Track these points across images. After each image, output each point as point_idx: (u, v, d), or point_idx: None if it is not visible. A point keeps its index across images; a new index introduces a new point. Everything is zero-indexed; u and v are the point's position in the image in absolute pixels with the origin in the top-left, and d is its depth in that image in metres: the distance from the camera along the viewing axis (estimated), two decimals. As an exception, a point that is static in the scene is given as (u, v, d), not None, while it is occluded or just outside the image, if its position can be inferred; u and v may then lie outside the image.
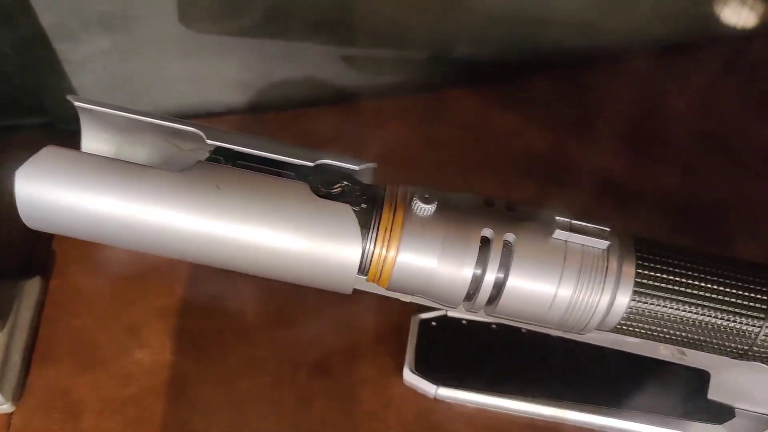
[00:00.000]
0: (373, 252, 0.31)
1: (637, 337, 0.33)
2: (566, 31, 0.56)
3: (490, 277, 0.31)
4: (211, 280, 0.46)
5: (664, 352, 0.38)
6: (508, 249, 0.31)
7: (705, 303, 0.32)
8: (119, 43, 0.48)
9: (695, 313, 0.32)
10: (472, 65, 0.56)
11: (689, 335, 0.32)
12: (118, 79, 0.51)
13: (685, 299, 0.32)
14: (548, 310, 0.31)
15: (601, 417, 0.39)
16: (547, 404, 0.39)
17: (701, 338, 0.32)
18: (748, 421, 0.39)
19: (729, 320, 0.32)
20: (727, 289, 0.32)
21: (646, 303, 0.32)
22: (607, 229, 0.31)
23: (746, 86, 0.58)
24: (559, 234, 0.31)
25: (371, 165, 0.32)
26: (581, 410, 0.39)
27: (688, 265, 0.32)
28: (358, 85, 0.56)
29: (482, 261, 0.31)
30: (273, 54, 0.52)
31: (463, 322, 0.42)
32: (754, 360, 0.34)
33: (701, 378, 0.40)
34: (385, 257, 0.31)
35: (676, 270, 0.32)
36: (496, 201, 0.33)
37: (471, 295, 0.32)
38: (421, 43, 0.56)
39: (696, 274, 0.32)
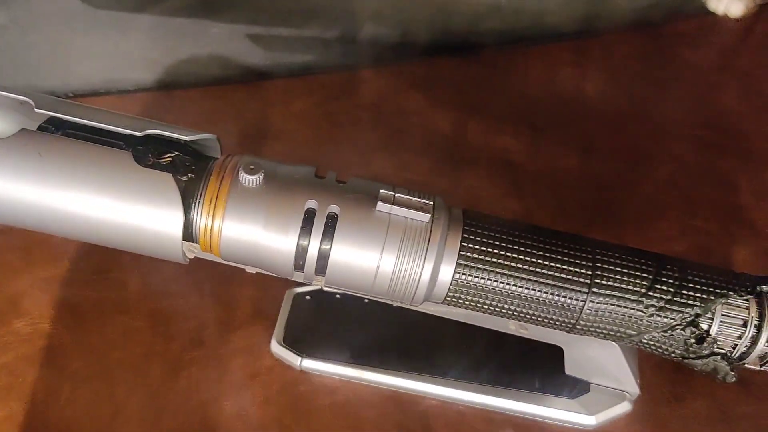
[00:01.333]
0: (200, 221, 0.31)
1: (468, 309, 0.34)
2: (477, 13, 0.57)
3: (314, 247, 0.31)
4: (99, 252, 0.46)
5: (512, 327, 0.38)
6: (332, 220, 0.32)
7: (529, 277, 0.32)
8: (17, 18, 0.49)
9: (520, 287, 0.32)
10: (381, 46, 0.57)
11: (517, 308, 0.33)
12: (20, 55, 0.51)
13: (510, 273, 0.32)
14: (374, 281, 0.32)
15: (461, 391, 0.40)
16: (410, 377, 0.40)
17: (528, 311, 0.33)
18: (602, 396, 0.39)
19: (553, 294, 0.32)
20: (552, 264, 0.32)
21: (471, 275, 0.32)
22: (431, 203, 0.32)
23: (649, 72, 0.58)
24: (382, 207, 0.31)
25: (206, 136, 0.32)
26: (443, 384, 0.40)
27: (514, 239, 0.33)
28: (268, 64, 0.57)
29: (306, 232, 0.31)
30: (176, 31, 0.53)
31: (337, 296, 0.43)
32: (583, 333, 0.34)
33: (561, 354, 0.40)
34: (212, 227, 0.31)
35: (502, 244, 0.32)
36: (329, 173, 0.33)
37: (300, 265, 0.32)
38: (330, 23, 0.56)
39: (521, 249, 0.33)
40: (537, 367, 0.41)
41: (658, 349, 0.34)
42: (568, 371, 0.40)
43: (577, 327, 0.34)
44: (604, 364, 0.39)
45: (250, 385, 0.41)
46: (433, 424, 0.39)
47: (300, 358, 0.41)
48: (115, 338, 0.42)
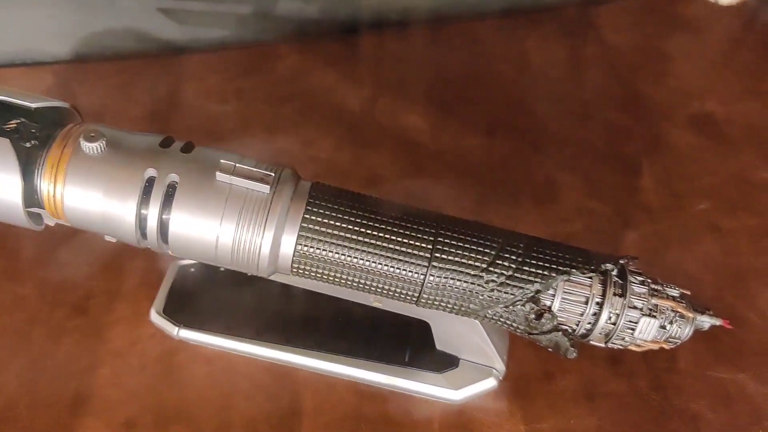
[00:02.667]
0: (43, 188, 0.32)
1: (315, 280, 0.34)
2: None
3: (154, 216, 0.32)
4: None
5: (372, 300, 0.39)
6: (172, 189, 0.32)
7: (370, 250, 0.33)
8: None
9: (361, 259, 0.33)
10: (298, 22, 0.57)
11: (361, 280, 0.33)
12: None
13: (351, 245, 0.33)
14: (216, 250, 0.32)
15: (332, 364, 0.40)
16: (283, 350, 0.41)
17: (373, 283, 0.33)
18: (469, 372, 0.40)
19: (394, 267, 0.33)
20: (393, 237, 0.33)
21: (313, 247, 0.33)
22: (272, 175, 0.32)
23: (570, 53, 0.58)
24: (222, 177, 0.31)
25: (55, 103, 0.33)
26: (315, 357, 0.41)
27: (357, 213, 0.33)
28: (184, 39, 0.57)
29: (146, 200, 0.32)
30: (86, 3, 0.53)
31: (221, 269, 0.43)
32: (429, 307, 0.35)
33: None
34: (54, 193, 0.32)
35: (344, 217, 0.33)
36: (176, 143, 0.33)
37: (144, 234, 0.33)
38: (246, -1, 0.56)
39: (363, 222, 0.33)
40: (409, 342, 0.41)
41: (504, 324, 0.35)
42: (438, 346, 0.41)
43: (422, 300, 0.34)
44: (470, 341, 0.39)
45: (128, 352, 0.41)
46: (303, 395, 0.40)
47: (177, 328, 0.41)
48: (1, 305, 0.43)
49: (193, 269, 0.44)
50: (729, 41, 0.61)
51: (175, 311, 0.42)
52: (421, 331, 0.41)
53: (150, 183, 0.32)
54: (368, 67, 0.57)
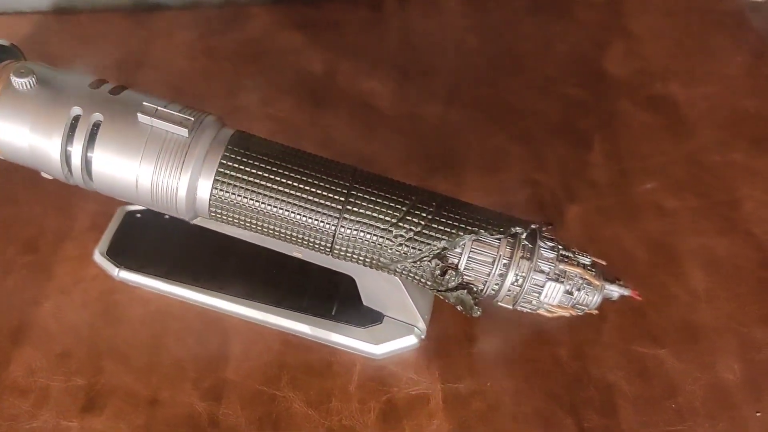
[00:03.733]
0: (-23, 121, 0.33)
1: (232, 225, 0.36)
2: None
3: (78, 152, 0.33)
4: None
5: (293, 251, 0.40)
6: (96, 128, 0.33)
7: (284, 198, 0.34)
8: None
9: (275, 207, 0.34)
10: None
11: (275, 227, 0.35)
12: None
13: (266, 193, 0.34)
14: (137, 189, 0.34)
15: (262, 313, 0.42)
16: (216, 296, 0.42)
17: (287, 232, 0.35)
18: (391, 328, 0.41)
19: (306, 216, 0.34)
20: (307, 188, 0.34)
21: (228, 192, 0.34)
22: (191, 119, 0.33)
23: (538, 27, 0.58)
24: (144, 119, 0.33)
25: (-2, 42, 0.34)
26: (246, 305, 0.42)
27: (275, 162, 0.34)
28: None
29: (70, 137, 0.33)
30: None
31: (166, 216, 0.45)
32: (343, 258, 0.36)
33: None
34: (-14, 127, 0.33)
35: (261, 165, 0.34)
36: (107, 84, 0.35)
37: (69, 170, 0.34)
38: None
39: (279, 171, 0.34)
40: (338, 296, 0.42)
41: (413, 279, 0.36)
42: (365, 302, 0.42)
43: (336, 251, 0.35)
44: (394, 298, 0.40)
45: (72, 290, 0.43)
46: (232, 340, 0.41)
47: (118, 269, 0.43)
48: (-45, 240, 0.45)
49: (139, 215, 0.46)
50: (699, 24, 0.60)
51: (118, 254, 0.44)
52: (350, 287, 0.42)
53: (76, 121, 0.33)
54: (334, 31, 0.58)
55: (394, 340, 0.41)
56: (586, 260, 0.37)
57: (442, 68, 0.56)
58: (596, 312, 0.38)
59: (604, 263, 0.38)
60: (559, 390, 0.40)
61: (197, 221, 0.37)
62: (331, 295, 0.43)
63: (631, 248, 0.46)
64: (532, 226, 0.36)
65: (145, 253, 0.44)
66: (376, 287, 0.41)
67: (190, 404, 0.39)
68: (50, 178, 0.37)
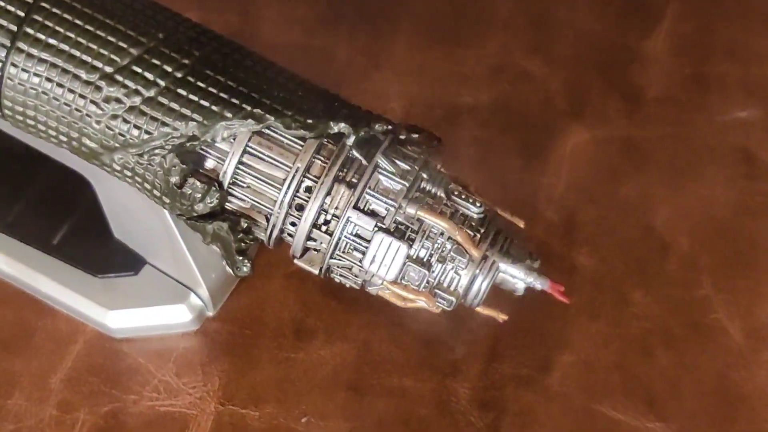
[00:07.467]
0: None
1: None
2: None
3: None
4: None
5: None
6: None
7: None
8: None
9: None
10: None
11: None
12: None
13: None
14: None
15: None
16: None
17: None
18: (150, 286, 0.23)
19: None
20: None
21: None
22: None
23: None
24: None
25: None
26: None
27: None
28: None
29: None
30: None
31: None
32: (16, 125, 0.19)
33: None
34: None
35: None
36: None
37: None
38: None
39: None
40: (73, 216, 0.25)
41: (141, 187, 0.19)
42: (116, 234, 0.24)
43: (4, 108, 0.19)
44: (156, 230, 0.22)
45: None
46: None
47: None
48: None
49: None
50: None
51: None
52: (97, 205, 0.24)
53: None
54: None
55: (149, 308, 0.23)
56: (473, 207, 0.19)
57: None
58: (502, 318, 0.20)
59: (521, 224, 0.21)
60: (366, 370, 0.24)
61: None
62: (60, 213, 0.25)
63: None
64: (381, 127, 0.19)
65: None
66: (130, 205, 0.22)
67: None
68: None
